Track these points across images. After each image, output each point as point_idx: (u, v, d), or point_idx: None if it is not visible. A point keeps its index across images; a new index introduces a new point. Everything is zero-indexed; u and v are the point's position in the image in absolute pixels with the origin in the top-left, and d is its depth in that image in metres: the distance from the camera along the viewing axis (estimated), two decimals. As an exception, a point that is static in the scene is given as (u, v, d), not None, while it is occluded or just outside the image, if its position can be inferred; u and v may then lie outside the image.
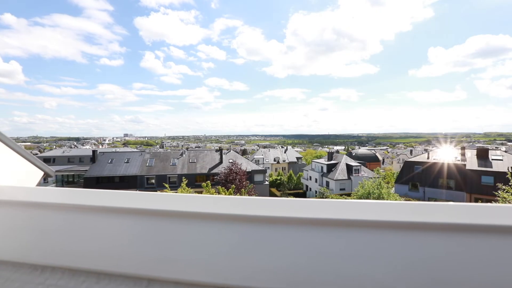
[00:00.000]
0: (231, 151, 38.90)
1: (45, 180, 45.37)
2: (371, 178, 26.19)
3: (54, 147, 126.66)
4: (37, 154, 62.62)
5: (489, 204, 0.64)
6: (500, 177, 22.43)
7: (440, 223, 0.59)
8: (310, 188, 42.03)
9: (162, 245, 0.68)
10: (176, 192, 21.19)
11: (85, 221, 0.76)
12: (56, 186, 31.10)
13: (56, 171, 33.53)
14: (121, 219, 0.74)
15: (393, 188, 30.20)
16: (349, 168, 37.41)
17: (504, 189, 14.06)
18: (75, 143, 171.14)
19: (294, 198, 0.77)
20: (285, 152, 64.75)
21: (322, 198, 30.94)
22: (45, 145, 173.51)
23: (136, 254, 0.69)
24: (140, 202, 0.77)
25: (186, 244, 0.67)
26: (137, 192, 0.85)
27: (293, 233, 0.63)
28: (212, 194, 10.35)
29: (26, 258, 0.75)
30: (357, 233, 0.61)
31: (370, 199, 18.99)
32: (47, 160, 49.82)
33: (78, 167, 36.99)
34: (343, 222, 0.62)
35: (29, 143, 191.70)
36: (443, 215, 0.61)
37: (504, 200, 13.63)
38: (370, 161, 61.14)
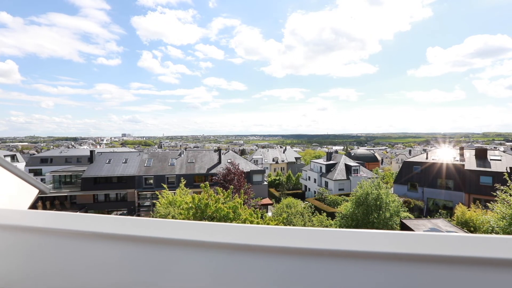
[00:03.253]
0: (230, 151, 38.80)
1: (42, 181, 45.10)
2: (370, 178, 26.18)
3: (52, 147, 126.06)
4: (34, 154, 62.22)
5: (467, 235, 0.62)
6: (499, 177, 22.49)
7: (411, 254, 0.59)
8: (309, 188, 42.03)
9: (152, 272, 0.70)
10: (174, 193, 21.09)
11: (77, 246, 0.75)
12: (54, 186, 30.86)
13: (53, 171, 33.30)
14: (112, 245, 0.73)
15: (392, 189, 30.21)
16: (348, 168, 37.43)
17: (502, 190, 14.06)
18: (73, 143, 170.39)
19: (279, 226, 0.73)
20: (284, 152, 64.74)
21: (321, 198, 30.89)
22: (42, 145, 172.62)
23: (127, 281, 0.70)
24: (132, 228, 0.76)
25: (175, 271, 0.69)
26: (130, 217, 0.84)
27: (278, 262, 0.64)
28: (211, 195, 10.25)
29: (17, 285, 0.74)
30: (341, 263, 0.61)
31: (368, 199, 18.91)
32: (44, 160, 49.51)
33: (75, 167, 36.76)
34: (329, 252, 0.62)
35: (26, 143, 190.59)
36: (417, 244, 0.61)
37: (503, 201, 13.63)
38: (369, 161, 61.25)
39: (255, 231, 0.69)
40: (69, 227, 0.76)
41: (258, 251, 0.64)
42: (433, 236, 0.62)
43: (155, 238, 0.70)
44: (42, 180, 45.35)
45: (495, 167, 25.46)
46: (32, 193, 1.41)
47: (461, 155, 29.06)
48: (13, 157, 54.57)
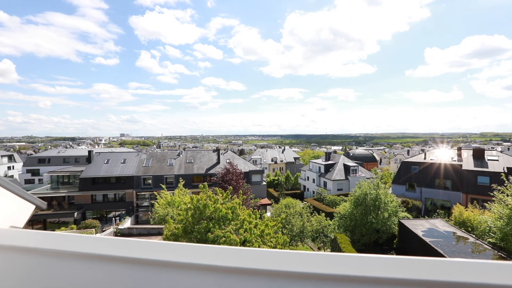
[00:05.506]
0: (229, 151, 38.77)
1: (40, 181, 44.82)
2: (369, 178, 26.23)
3: (49, 147, 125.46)
4: (31, 154, 61.88)
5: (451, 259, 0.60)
6: (496, 177, 22.60)
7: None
8: (308, 189, 42.07)
9: None
10: (173, 193, 21.00)
11: (66, 267, 0.73)
12: (51, 187, 30.71)
13: (51, 171, 33.14)
14: (103, 266, 0.72)
15: (391, 189, 30.29)
16: (346, 168, 37.51)
17: (499, 190, 14.14)
18: (71, 143, 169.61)
19: (271, 250, 0.71)
20: (282, 152, 64.74)
21: (320, 198, 30.92)
22: (40, 145, 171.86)
23: None
24: (124, 249, 0.74)
25: None
26: (121, 238, 0.82)
27: (269, 286, 0.62)
28: (209, 195, 10.22)
29: None
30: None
31: (367, 199, 18.95)
32: (42, 160, 49.25)
33: (73, 167, 36.59)
34: (322, 276, 0.61)
35: (24, 143, 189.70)
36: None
37: (500, 201, 13.70)
38: (367, 161, 61.39)
39: (245, 254, 0.67)
40: (62, 248, 0.75)
41: (249, 274, 0.63)
42: (425, 260, 0.61)
43: (148, 260, 0.70)
44: (40, 180, 45.11)
45: (493, 167, 25.59)
46: (28, 209, 1.39)
47: (459, 155, 29.19)
48: (10, 157, 54.27)
